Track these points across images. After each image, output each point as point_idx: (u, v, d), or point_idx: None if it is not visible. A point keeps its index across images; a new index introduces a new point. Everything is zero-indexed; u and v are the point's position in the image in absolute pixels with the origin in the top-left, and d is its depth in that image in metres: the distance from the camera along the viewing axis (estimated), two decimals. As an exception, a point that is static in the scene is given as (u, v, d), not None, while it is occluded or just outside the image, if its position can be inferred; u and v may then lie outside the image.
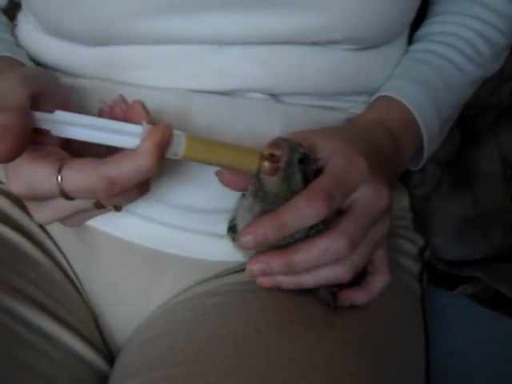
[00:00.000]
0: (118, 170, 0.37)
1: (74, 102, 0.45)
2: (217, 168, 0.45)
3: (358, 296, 0.47)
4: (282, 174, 0.42)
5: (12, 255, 0.50)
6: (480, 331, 0.65)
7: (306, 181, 0.43)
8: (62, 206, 0.40)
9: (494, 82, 0.70)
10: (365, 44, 0.52)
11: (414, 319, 0.57)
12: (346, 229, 0.42)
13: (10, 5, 0.60)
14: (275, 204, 0.42)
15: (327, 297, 0.46)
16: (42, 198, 0.40)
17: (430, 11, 0.62)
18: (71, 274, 0.54)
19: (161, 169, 0.48)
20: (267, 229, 0.41)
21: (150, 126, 0.38)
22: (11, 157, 0.35)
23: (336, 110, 0.55)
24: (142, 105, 0.41)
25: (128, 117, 0.40)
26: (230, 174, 0.44)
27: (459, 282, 0.68)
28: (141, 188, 0.41)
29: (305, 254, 0.42)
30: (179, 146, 0.39)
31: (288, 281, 0.44)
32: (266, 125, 0.50)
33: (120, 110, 0.41)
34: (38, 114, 0.37)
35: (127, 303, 0.53)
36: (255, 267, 0.43)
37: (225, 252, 0.50)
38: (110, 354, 0.54)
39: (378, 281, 0.47)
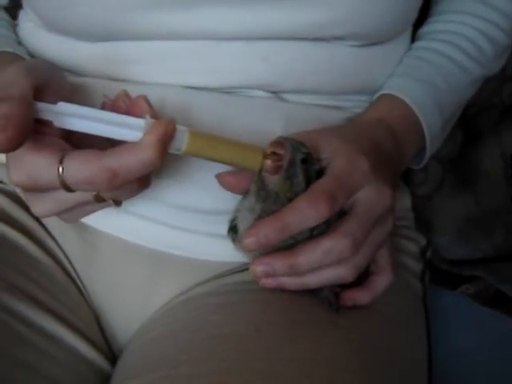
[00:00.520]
0: (120, 161, 0.37)
1: (77, 94, 0.45)
2: (219, 167, 0.45)
3: (361, 296, 0.47)
4: (284, 173, 0.42)
5: (14, 254, 0.50)
6: (482, 330, 0.65)
7: (309, 181, 0.43)
8: (62, 198, 0.40)
9: (496, 81, 0.70)
10: (368, 40, 0.52)
11: (416, 318, 0.57)
12: (349, 229, 0.42)
13: (12, 3, 0.60)
14: (276, 204, 0.42)
15: (330, 297, 0.46)
16: (42, 189, 0.39)
17: (432, 9, 0.62)
18: (73, 274, 0.53)
19: (163, 169, 0.48)
20: (269, 231, 0.41)
21: (153, 120, 0.38)
22: (12, 147, 0.35)
23: (338, 109, 0.55)
24: (146, 99, 0.41)
25: (131, 111, 0.40)
26: (230, 176, 0.44)
27: (461, 282, 0.68)
28: (142, 182, 0.41)
29: (308, 256, 0.42)
30: (182, 142, 0.39)
31: (291, 282, 0.44)
32: (267, 123, 0.50)
33: (123, 105, 0.41)
34: (41, 105, 0.37)
35: (129, 303, 0.53)
36: (258, 269, 0.43)
37: (227, 253, 0.50)
38: (112, 354, 0.54)
39: (381, 280, 0.47)
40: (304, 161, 0.42)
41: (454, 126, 0.63)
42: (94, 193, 0.40)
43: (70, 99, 0.39)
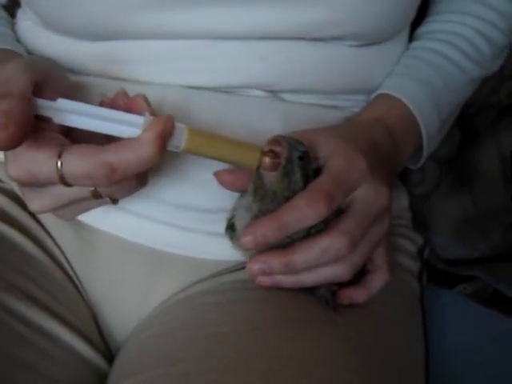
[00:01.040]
0: (119, 157, 0.37)
1: (76, 93, 0.45)
2: (217, 166, 0.45)
3: (358, 294, 0.47)
4: (282, 170, 0.42)
5: (11, 253, 0.50)
6: (479, 330, 0.65)
7: (306, 179, 0.43)
8: (60, 193, 0.40)
9: (494, 81, 0.70)
10: (366, 40, 0.52)
11: (414, 318, 0.57)
12: (346, 228, 0.42)
13: (11, 2, 0.60)
14: (273, 204, 0.42)
15: (326, 295, 0.46)
16: (40, 184, 0.39)
17: (430, 9, 0.62)
18: (70, 273, 0.53)
19: (161, 167, 0.48)
20: (267, 229, 0.41)
21: (152, 117, 0.38)
22: (13, 144, 0.35)
23: (336, 109, 0.55)
24: (144, 98, 0.41)
25: (130, 109, 0.40)
26: (228, 174, 0.44)
27: (458, 281, 0.68)
28: (139, 179, 0.41)
29: (304, 254, 0.42)
30: (181, 139, 0.39)
31: (287, 280, 0.44)
32: (265, 123, 0.50)
33: (122, 103, 0.41)
34: (41, 101, 0.37)
35: (126, 302, 0.53)
36: (255, 267, 0.43)
37: (224, 251, 0.50)
38: (109, 353, 0.54)
39: (378, 279, 0.47)
40: (301, 158, 0.42)
41: (452, 125, 0.63)
42: (92, 189, 0.40)
43: (69, 96, 0.39)
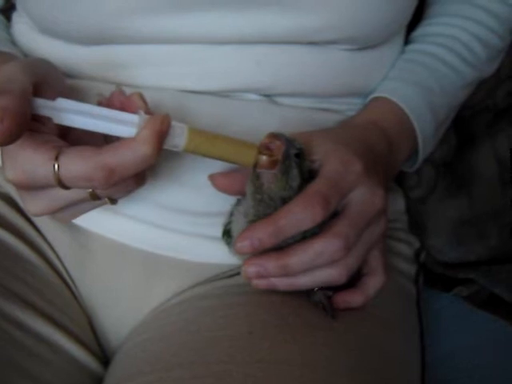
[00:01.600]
0: (117, 157, 0.36)
1: (71, 96, 0.45)
2: (212, 169, 0.45)
3: (354, 298, 0.47)
4: (281, 166, 0.41)
5: (6, 258, 0.50)
6: (475, 333, 0.65)
7: (302, 176, 0.42)
8: (57, 195, 0.40)
9: (490, 83, 0.70)
10: (362, 44, 0.52)
11: (410, 321, 0.57)
12: (341, 230, 0.42)
13: (6, 5, 0.60)
14: (270, 207, 0.42)
15: (323, 301, 0.46)
16: (37, 187, 0.39)
17: (426, 12, 0.62)
18: (66, 277, 0.53)
19: (157, 170, 0.48)
20: (264, 234, 0.41)
21: (147, 116, 0.38)
22: (8, 139, 0.34)
23: (332, 112, 0.55)
24: (141, 96, 0.41)
25: (126, 108, 0.40)
26: (222, 178, 0.44)
27: (455, 284, 0.68)
28: (137, 179, 0.41)
29: (300, 257, 0.42)
30: (181, 139, 0.39)
31: (282, 283, 0.44)
32: (261, 126, 0.50)
33: (118, 102, 0.41)
34: (40, 101, 0.37)
35: (122, 306, 0.52)
36: (250, 269, 0.43)
37: (220, 255, 0.50)
38: (104, 357, 0.54)
39: (373, 282, 0.47)
40: (297, 155, 0.42)
41: (448, 128, 0.63)
42: (90, 190, 0.40)
43: (67, 96, 0.39)
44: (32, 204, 0.41)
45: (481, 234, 0.71)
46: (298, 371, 0.41)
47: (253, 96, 0.51)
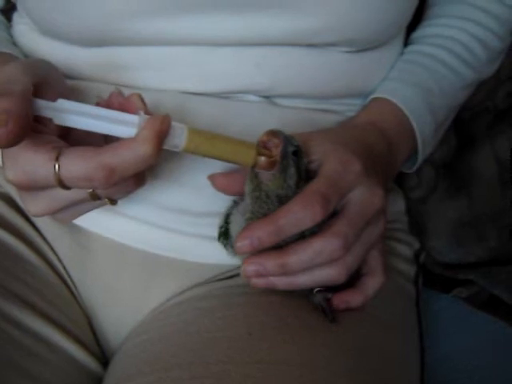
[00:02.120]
0: (117, 157, 0.37)
1: (72, 97, 0.45)
2: (211, 170, 0.45)
3: (353, 298, 0.47)
4: (279, 165, 0.42)
5: (6, 258, 0.50)
6: (475, 334, 0.65)
7: (299, 174, 0.43)
8: (58, 196, 0.40)
9: (490, 84, 0.70)
10: (360, 46, 0.52)
11: (409, 322, 0.57)
12: (341, 230, 0.42)
13: (7, 6, 0.60)
14: (267, 205, 0.42)
15: (323, 304, 0.46)
16: (38, 187, 0.39)
17: (426, 13, 0.62)
18: (65, 277, 0.53)
19: (156, 171, 0.48)
20: (263, 233, 0.41)
21: (147, 116, 0.38)
22: (12, 142, 0.34)
23: (332, 113, 0.55)
24: (140, 97, 0.41)
25: (125, 109, 0.40)
26: (222, 178, 0.45)
27: (454, 285, 0.68)
28: (137, 180, 0.41)
29: (299, 255, 0.42)
30: (181, 139, 0.39)
31: (281, 282, 0.44)
32: (261, 127, 0.49)
33: (117, 103, 0.41)
34: (41, 102, 0.37)
35: (121, 306, 0.53)
36: (250, 268, 0.43)
37: (219, 255, 0.50)
38: (104, 357, 0.54)
39: (372, 282, 0.47)
40: (295, 153, 0.42)
41: (448, 130, 0.63)
42: (90, 190, 0.40)
43: (67, 97, 0.39)
44: (32, 204, 0.41)
45: (480, 236, 0.71)
46: (296, 372, 0.41)
47: (252, 97, 0.51)
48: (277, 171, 0.42)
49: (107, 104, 0.42)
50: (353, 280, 0.47)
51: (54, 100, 0.38)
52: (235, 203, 0.46)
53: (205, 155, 0.41)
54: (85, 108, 0.38)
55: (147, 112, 0.40)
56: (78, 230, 0.52)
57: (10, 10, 0.60)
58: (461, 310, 0.67)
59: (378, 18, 0.50)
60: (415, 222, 0.69)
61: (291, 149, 0.42)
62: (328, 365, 0.42)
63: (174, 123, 0.39)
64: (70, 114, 0.38)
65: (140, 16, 0.46)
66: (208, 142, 0.40)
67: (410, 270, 0.61)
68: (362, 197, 0.44)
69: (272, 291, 0.47)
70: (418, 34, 0.61)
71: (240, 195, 0.45)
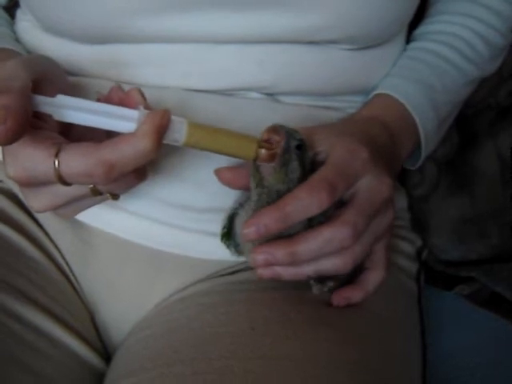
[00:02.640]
0: (117, 152, 0.36)
1: (73, 93, 0.45)
2: (214, 165, 0.45)
3: (353, 294, 0.47)
4: (279, 159, 0.41)
5: (8, 253, 0.50)
6: (476, 331, 0.65)
7: (303, 167, 0.42)
8: (59, 192, 0.40)
9: (492, 82, 0.70)
10: (362, 43, 0.52)
11: (411, 319, 0.57)
12: (350, 218, 0.42)
13: (11, 3, 0.60)
14: (269, 199, 0.42)
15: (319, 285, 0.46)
16: (38, 183, 0.39)
17: (428, 10, 0.62)
18: (68, 272, 0.53)
19: (158, 166, 0.48)
20: (270, 220, 0.41)
21: (146, 111, 0.38)
22: (11, 139, 0.34)
23: (333, 110, 0.55)
24: (140, 91, 0.41)
25: (125, 104, 0.40)
26: (228, 171, 0.44)
27: (456, 283, 0.68)
28: (138, 174, 0.41)
29: (309, 244, 0.41)
30: (181, 133, 0.39)
31: (287, 272, 0.43)
32: (263, 124, 0.50)
33: (117, 98, 0.41)
34: (40, 98, 0.37)
35: (124, 302, 0.53)
36: (259, 257, 0.42)
37: (222, 251, 0.50)
38: (106, 353, 0.54)
39: (373, 277, 0.47)
40: (299, 147, 0.42)
41: (450, 127, 0.63)
42: (91, 186, 0.40)
43: (67, 93, 0.39)
44: (34, 200, 0.41)
45: (482, 233, 0.71)
46: (299, 367, 0.41)
47: (255, 95, 0.51)
48: (277, 165, 0.42)
49: (107, 99, 0.42)
50: (354, 276, 0.47)
51: (54, 96, 0.38)
52: (240, 205, 0.45)
53: (205, 149, 0.41)
54: (84, 103, 0.38)
55: (147, 107, 0.39)
56: (80, 225, 0.52)
57: (13, 7, 0.60)
58: (463, 307, 0.66)
59: (380, 16, 0.50)
60: (417, 219, 0.69)
61: (294, 143, 0.42)
62: (330, 360, 0.42)
63: (173, 117, 0.39)
64: (70, 109, 0.37)
65: (142, 13, 0.46)
66: (208, 136, 0.40)
67: (412, 267, 0.61)
68: (370, 185, 0.44)
69: (274, 287, 0.47)
70: (420, 30, 0.61)
71: (245, 189, 0.45)
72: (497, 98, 0.72)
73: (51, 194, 0.40)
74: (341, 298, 0.47)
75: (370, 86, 0.56)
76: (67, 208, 0.43)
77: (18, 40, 0.57)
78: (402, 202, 0.67)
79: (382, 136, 0.50)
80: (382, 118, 0.52)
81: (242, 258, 0.47)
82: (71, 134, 0.42)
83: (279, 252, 0.42)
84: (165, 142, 0.39)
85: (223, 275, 0.52)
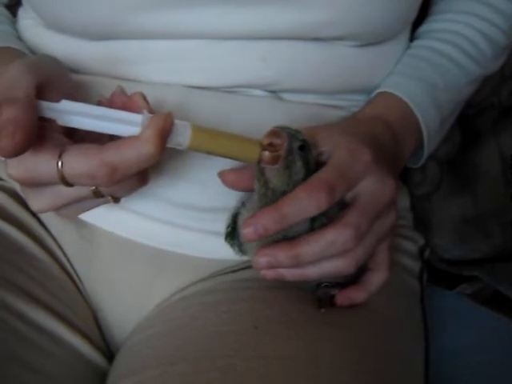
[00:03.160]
0: (120, 155, 0.36)
1: (76, 91, 0.45)
2: (217, 166, 0.45)
3: (356, 295, 0.47)
4: (283, 161, 0.41)
5: (11, 251, 0.50)
6: (479, 330, 0.65)
7: (308, 168, 0.42)
8: (61, 193, 0.40)
9: (495, 81, 0.70)
10: (367, 40, 0.52)
11: (414, 318, 0.57)
12: (352, 221, 0.42)
13: (13, 1, 0.60)
14: (273, 202, 0.42)
15: (322, 296, 0.45)
16: (41, 184, 0.39)
17: (431, 8, 0.62)
18: (71, 271, 0.53)
19: (162, 166, 0.48)
20: (268, 220, 0.41)
21: (150, 115, 0.38)
22: (20, 151, 0.34)
23: (337, 108, 0.55)
24: (143, 95, 0.41)
25: (128, 108, 0.40)
26: (231, 173, 0.44)
27: (459, 282, 0.68)
28: (140, 177, 0.41)
29: (312, 246, 0.41)
30: (184, 137, 0.39)
31: (291, 273, 0.43)
32: (267, 122, 0.49)
33: (120, 102, 0.41)
34: (44, 104, 0.37)
35: (126, 300, 0.53)
36: (262, 260, 0.42)
37: (224, 250, 0.50)
38: (109, 351, 0.54)
39: (377, 278, 0.47)
40: (302, 148, 0.42)
41: (453, 126, 0.63)
42: (93, 188, 0.40)
43: (72, 95, 0.39)
44: (35, 201, 0.41)
45: (484, 232, 0.71)
46: (301, 367, 0.41)
47: (258, 92, 0.51)
48: (281, 167, 0.41)
49: (110, 103, 0.42)
50: (357, 276, 0.47)
51: (58, 100, 0.37)
52: (243, 204, 0.45)
53: (209, 152, 0.41)
54: (88, 108, 0.38)
55: (150, 110, 0.39)
56: (82, 224, 0.52)
57: (15, 6, 0.60)
58: (465, 306, 0.66)
59: (383, 13, 0.50)
60: (420, 218, 0.69)
61: (297, 144, 0.42)
62: (333, 360, 0.42)
63: (177, 121, 0.39)
64: (73, 114, 0.37)
65: (143, 9, 0.46)
66: (212, 140, 0.40)
67: (414, 265, 0.61)
68: (373, 187, 0.43)
69: (277, 286, 0.47)
70: (423, 28, 0.61)
71: (249, 191, 0.45)
72: (499, 97, 0.72)
73: (53, 195, 0.40)
74: (344, 297, 0.47)
75: (374, 84, 0.56)
76: (68, 209, 0.43)
77: (20, 38, 0.57)
78: (404, 201, 0.67)
79: (385, 135, 0.50)
80: (385, 117, 0.52)
81: (245, 257, 0.47)
82: (75, 134, 0.42)
83: (281, 255, 0.42)
84: (168, 145, 0.39)
85: (226, 273, 0.51)
